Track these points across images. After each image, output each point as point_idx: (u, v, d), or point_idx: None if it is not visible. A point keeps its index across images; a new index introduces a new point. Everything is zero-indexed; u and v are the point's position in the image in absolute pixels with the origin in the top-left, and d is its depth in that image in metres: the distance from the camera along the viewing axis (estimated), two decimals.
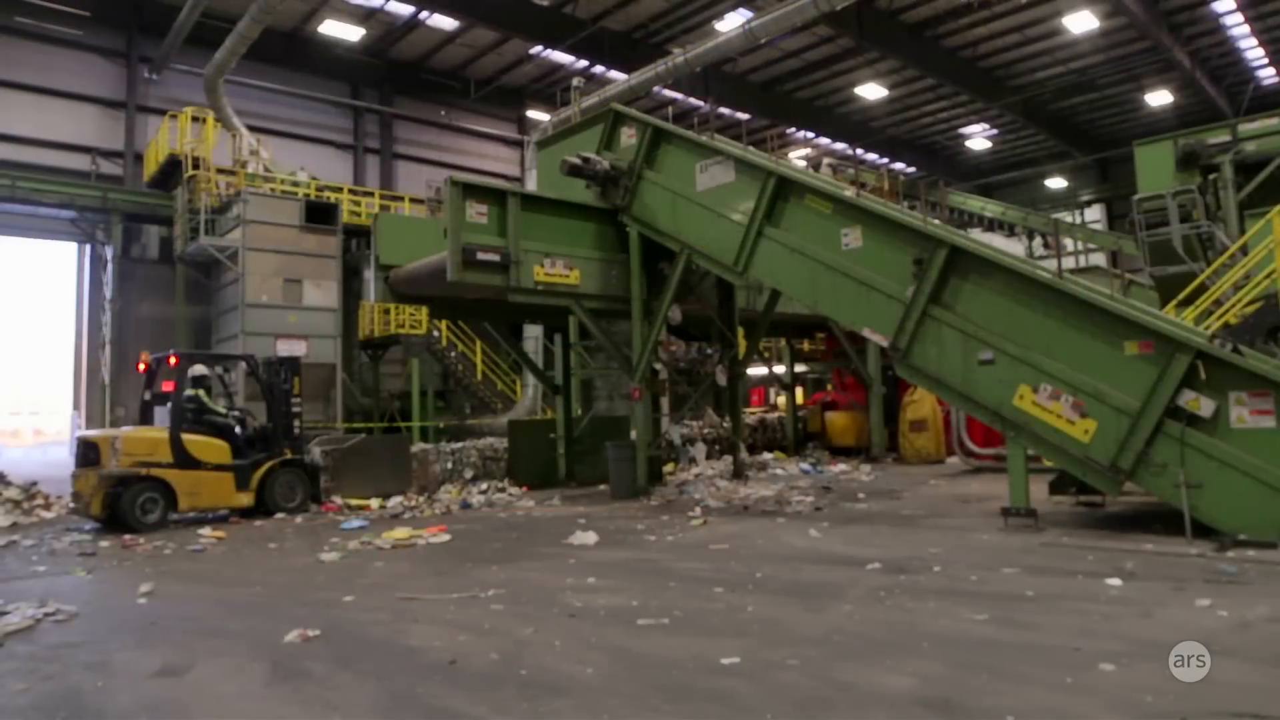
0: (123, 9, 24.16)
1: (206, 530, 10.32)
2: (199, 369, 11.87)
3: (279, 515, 11.52)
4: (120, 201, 22.29)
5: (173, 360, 11.67)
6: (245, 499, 11.50)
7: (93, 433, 12.00)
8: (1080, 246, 28.67)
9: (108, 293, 22.68)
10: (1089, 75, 29.46)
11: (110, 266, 22.63)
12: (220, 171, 21.80)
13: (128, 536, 9.97)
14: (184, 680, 4.62)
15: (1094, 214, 36.76)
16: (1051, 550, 7.49)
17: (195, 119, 21.96)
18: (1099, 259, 30.33)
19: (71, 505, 11.43)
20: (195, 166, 21.23)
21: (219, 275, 21.55)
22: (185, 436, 11.12)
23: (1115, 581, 6.06)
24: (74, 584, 7.48)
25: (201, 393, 11.67)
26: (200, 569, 8.14)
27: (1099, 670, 4.19)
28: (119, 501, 10.53)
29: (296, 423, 12.32)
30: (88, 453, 10.97)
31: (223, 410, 11.94)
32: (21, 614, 6.07)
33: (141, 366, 12.21)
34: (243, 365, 12.95)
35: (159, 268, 23.27)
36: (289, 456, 12.02)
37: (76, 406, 24.00)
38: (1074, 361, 8.39)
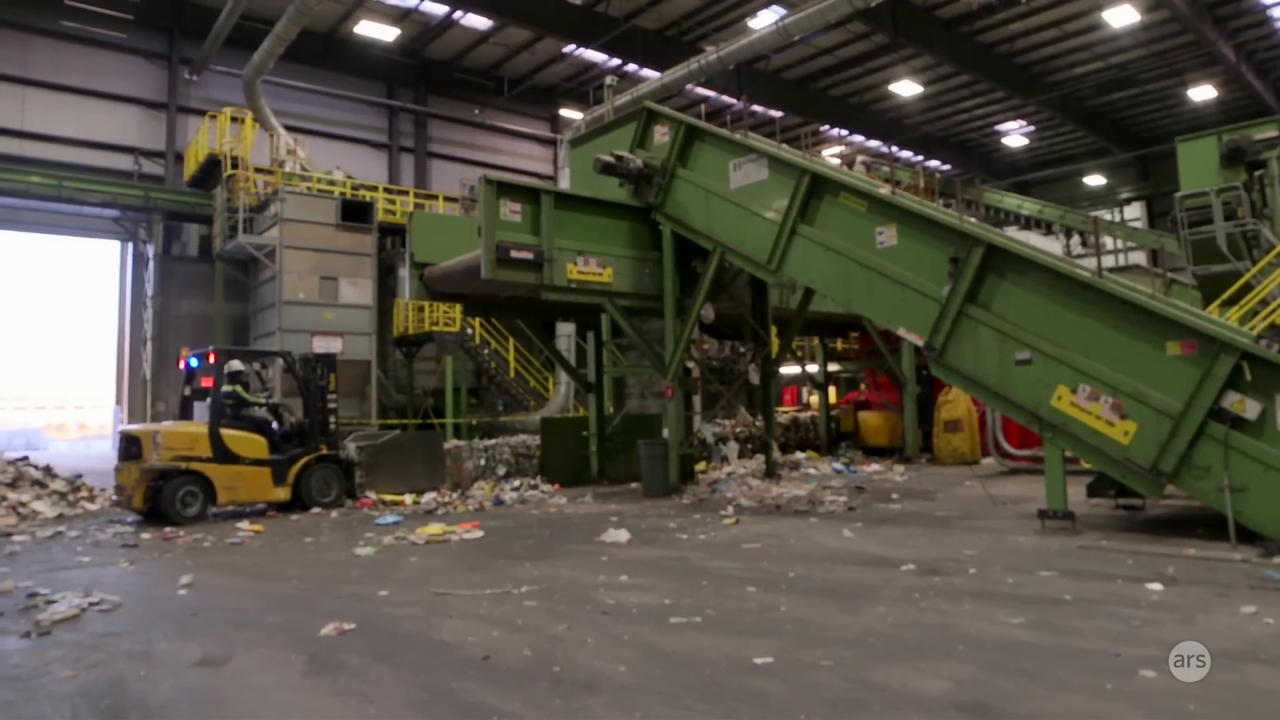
0: (164, 12, 24.61)
1: (244, 524, 10.49)
2: (235, 364, 12.01)
3: (315, 510, 11.68)
4: (161, 201, 22.75)
5: (212, 357, 11.85)
6: (282, 493, 11.68)
7: (134, 427, 12.13)
8: (1120, 245, 28.17)
9: (149, 290, 23.15)
10: (1129, 70, 28.93)
11: (152, 264, 23.10)
12: (258, 171, 22.15)
13: (168, 529, 10.19)
14: (223, 671, 4.70)
15: (1134, 212, 36.09)
16: (1089, 553, 7.37)
17: (234, 119, 22.34)
18: (1139, 258, 29.80)
19: (114, 498, 11.68)
20: (234, 166, 21.59)
21: (257, 273, 21.89)
22: (224, 431, 11.31)
23: (1156, 586, 5.95)
24: (117, 574, 7.64)
25: (239, 388, 11.83)
26: (238, 562, 8.27)
27: (1140, 677, 4.11)
28: (160, 495, 10.74)
29: (332, 419, 12.47)
30: (129, 447, 11.17)
31: (261, 401, 12.14)
32: (68, 603, 6.23)
33: (181, 362, 12.42)
34: (280, 362, 13.13)
35: (199, 265, 23.70)
36: (325, 452, 12.17)
37: (119, 401, 24.53)
38: (1114, 362, 8.25)
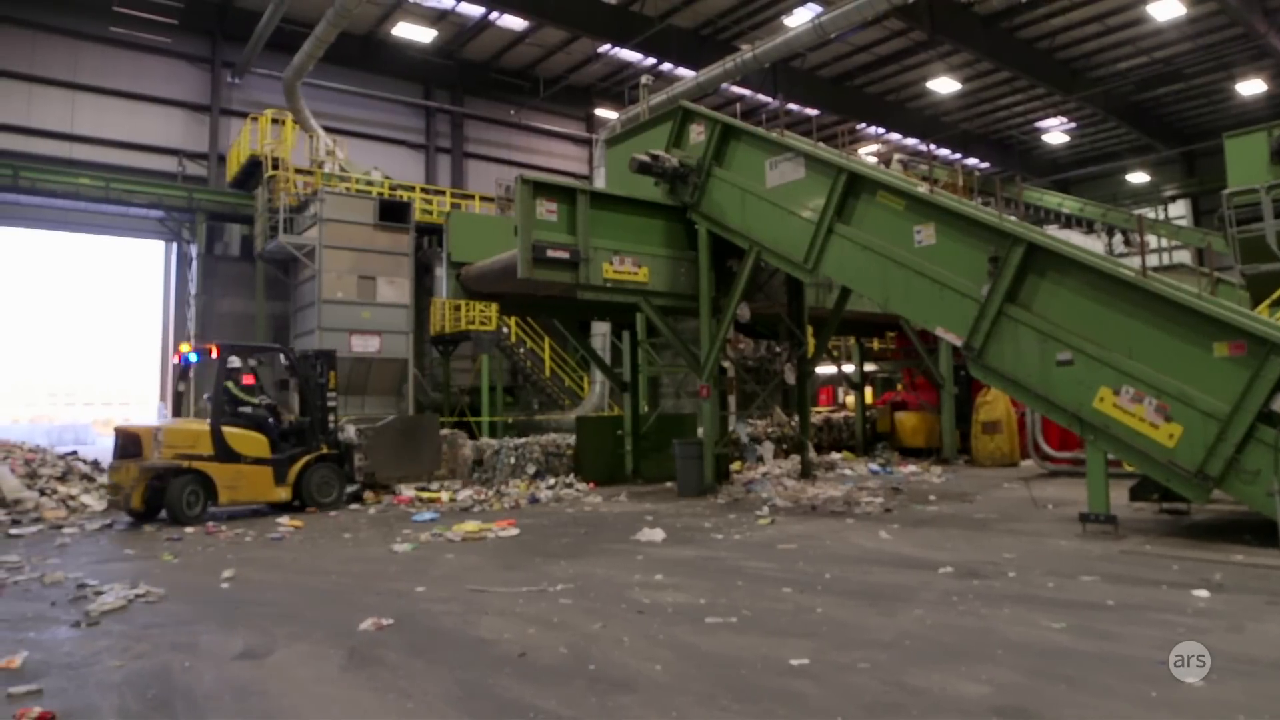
0: (208, 16, 25.06)
1: (285, 519, 10.65)
2: (233, 361, 11.66)
3: (353, 506, 11.78)
4: (205, 201, 23.18)
5: (214, 351, 11.57)
6: (283, 493, 11.43)
7: (132, 424, 11.56)
8: (1164, 243, 27.61)
9: (192, 289, 23.60)
10: (1175, 65, 28.31)
11: (195, 264, 23.54)
12: (298, 171, 22.48)
13: (210, 524, 10.36)
14: (265, 663, 4.79)
15: (1179, 210, 35.36)
16: (1133, 558, 7.24)
17: (275, 121, 22.69)
18: (1184, 257, 29.20)
19: (109, 498, 11.23)
20: (275, 167, 21.92)
21: (297, 272, 22.22)
22: (225, 430, 11.05)
23: (1202, 593, 5.82)
24: (162, 567, 7.80)
25: (230, 384, 11.48)
26: (279, 557, 8.41)
27: (1186, 685, 4.03)
28: (162, 494, 10.53)
29: (332, 418, 12.21)
30: (127, 445, 10.83)
31: (255, 401, 11.75)
32: (116, 594, 6.39)
33: (178, 357, 12.09)
34: (281, 359, 12.78)
35: (240, 265, 24.12)
36: (325, 452, 11.94)
37: (163, 398, 25.01)
38: (1158, 363, 8.09)
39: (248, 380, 11.78)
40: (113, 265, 35.57)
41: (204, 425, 11.06)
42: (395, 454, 13.17)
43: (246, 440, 11.21)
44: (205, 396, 11.82)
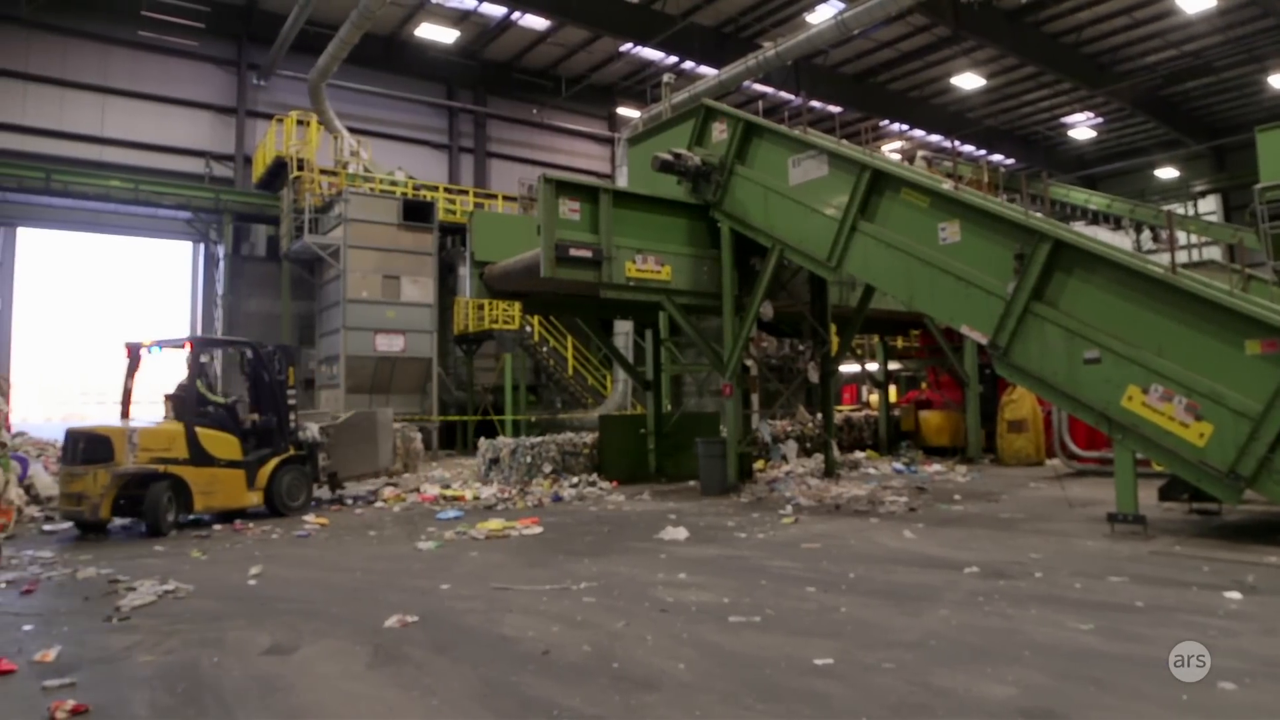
0: (234, 20, 25.36)
1: (310, 517, 10.75)
2: (202, 357, 10.90)
3: (378, 504, 11.85)
4: (231, 202, 23.47)
5: (188, 346, 10.71)
6: (255, 498, 10.67)
7: (98, 425, 10.07)
8: (1194, 239, 27.20)
9: (219, 289, 23.90)
10: (1205, 58, 27.92)
11: (222, 264, 23.84)
12: (323, 172, 22.71)
13: (238, 521, 10.44)
14: (291, 659, 4.84)
15: (1209, 205, 34.83)
16: (1162, 559, 7.14)
17: (300, 122, 22.93)
18: (1214, 253, 28.74)
19: (64, 509, 9.85)
20: (300, 168, 22.16)
21: (322, 272, 22.43)
22: (199, 430, 10.21)
23: (1234, 595, 5.74)
24: (191, 564, 7.90)
25: (199, 382, 10.74)
26: (305, 554, 8.49)
27: (1218, 689, 3.97)
28: (135, 503, 9.64)
29: (292, 416, 11.43)
30: (93, 448, 9.57)
31: (220, 400, 11.15)
32: (147, 590, 6.48)
33: (143, 351, 10.74)
34: (248, 353, 11.58)
35: (266, 265, 24.40)
36: (292, 453, 11.24)
37: None
38: (1188, 361, 7.96)
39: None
40: (142, 266, 36.00)
41: (178, 426, 10.13)
42: (356, 452, 12.52)
43: (219, 441, 10.36)
44: (172, 391, 10.78)
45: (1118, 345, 8.40)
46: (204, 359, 11.05)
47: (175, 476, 9.85)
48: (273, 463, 10.91)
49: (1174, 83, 29.75)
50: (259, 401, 11.24)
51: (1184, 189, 35.05)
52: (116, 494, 9.50)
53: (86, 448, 9.58)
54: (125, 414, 10.65)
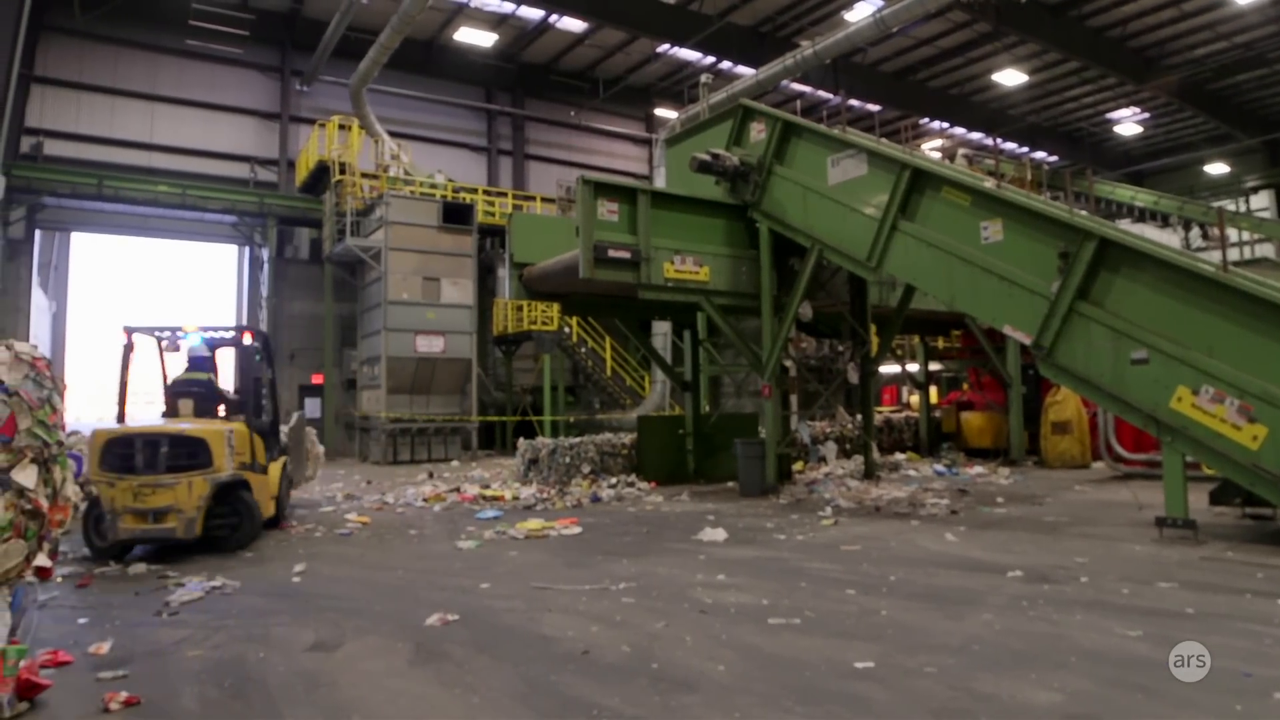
0: (277, 27, 25.81)
1: (353, 515, 10.89)
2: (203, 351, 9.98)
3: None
4: (275, 206, 23.92)
5: (249, 337, 10.08)
6: (271, 505, 9.70)
7: (187, 427, 8.55)
8: (1246, 237, 26.49)
9: (264, 291, 24.37)
10: (1256, 49, 27.15)
11: (266, 267, 24.30)
12: (364, 176, 23.03)
13: (284, 521, 10.37)
14: (334, 656, 4.92)
15: (1261, 201, 33.83)
16: (1214, 565, 6.98)
17: (342, 127, 23.26)
18: (1268, 250, 27.97)
19: (142, 529, 8.00)
20: (342, 172, 22.48)
21: (363, 274, 22.73)
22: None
23: None
24: (237, 561, 8.04)
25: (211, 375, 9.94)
26: (347, 552, 8.61)
27: (1274, 700, 3.87)
28: (220, 518, 8.43)
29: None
30: (187, 453, 8.25)
31: (235, 398, 10.09)
32: (195, 586, 6.63)
33: (126, 335, 9.77)
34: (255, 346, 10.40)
35: (309, 267, 24.81)
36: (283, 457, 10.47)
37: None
38: (1240, 361, 7.77)
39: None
40: (189, 269, 36.80)
41: (243, 427, 9.17)
42: (295, 458, 11.29)
43: (258, 444, 9.41)
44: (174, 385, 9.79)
45: (1166, 345, 8.22)
46: (205, 353, 10.02)
47: (247, 484, 8.84)
48: (281, 464, 10.22)
49: (1224, 76, 28.96)
50: (258, 398, 9.98)
51: (1235, 185, 34.10)
52: (211, 505, 8.27)
53: (174, 453, 8.18)
54: (123, 413, 9.66)
